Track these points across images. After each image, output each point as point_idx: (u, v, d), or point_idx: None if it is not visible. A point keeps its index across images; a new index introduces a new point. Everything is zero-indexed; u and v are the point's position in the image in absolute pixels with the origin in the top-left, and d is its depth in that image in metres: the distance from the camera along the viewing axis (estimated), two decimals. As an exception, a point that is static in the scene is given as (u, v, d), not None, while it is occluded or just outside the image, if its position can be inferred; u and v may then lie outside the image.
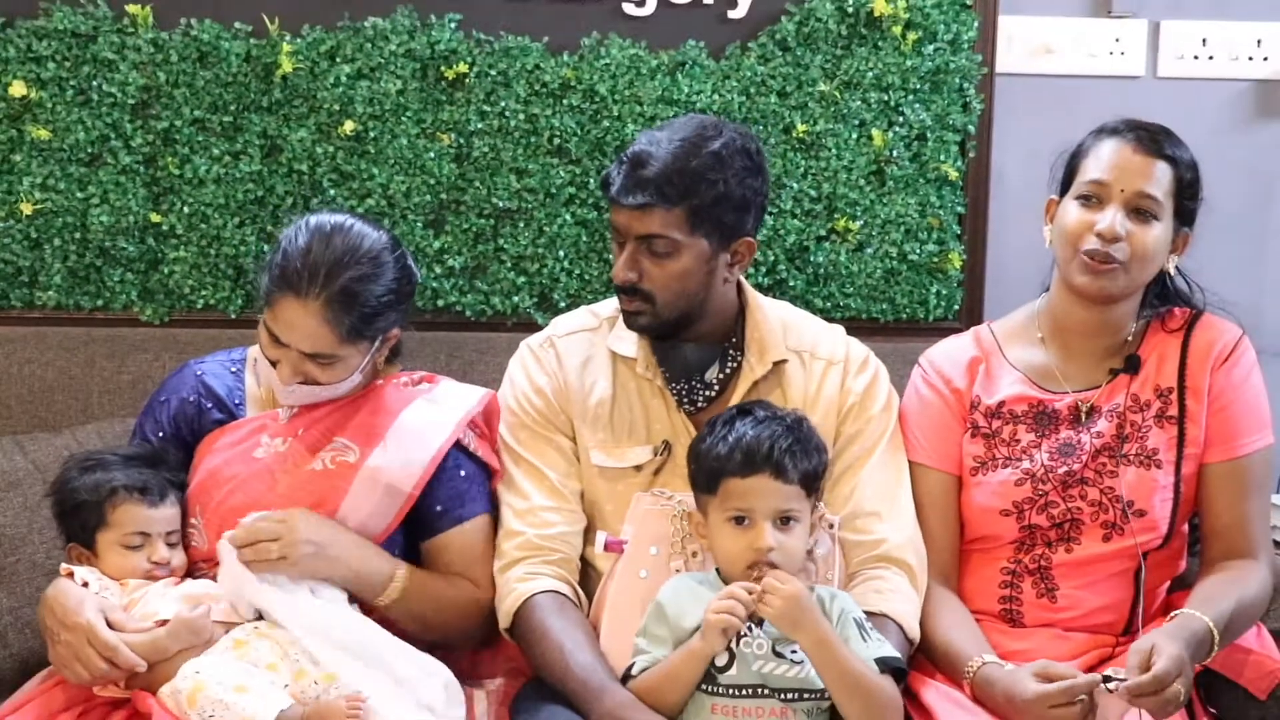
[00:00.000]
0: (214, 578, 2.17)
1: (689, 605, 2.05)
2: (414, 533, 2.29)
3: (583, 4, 2.86)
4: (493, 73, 2.84)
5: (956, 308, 2.97)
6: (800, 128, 2.87)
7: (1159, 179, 2.21)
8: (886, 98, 2.89)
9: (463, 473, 2.29)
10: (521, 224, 2.89)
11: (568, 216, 2.88)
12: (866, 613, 2.14)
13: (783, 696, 2.01)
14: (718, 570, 2.10)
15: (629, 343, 2.32)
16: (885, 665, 2.04)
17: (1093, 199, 2.22)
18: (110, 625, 2.05)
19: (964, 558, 2.34)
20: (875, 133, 2.88)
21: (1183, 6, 2.99)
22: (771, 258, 2.90)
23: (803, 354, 2.35)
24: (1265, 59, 2.99)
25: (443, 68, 2.83)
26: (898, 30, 2.86)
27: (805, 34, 2.87)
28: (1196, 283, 2.33)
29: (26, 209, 2.81)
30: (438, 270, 2.88)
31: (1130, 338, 2.31)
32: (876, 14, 2.84)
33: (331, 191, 2.84)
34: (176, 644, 2.05)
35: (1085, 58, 2.98)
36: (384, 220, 2.82)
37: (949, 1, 2.87)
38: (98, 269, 2.86)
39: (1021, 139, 2.92)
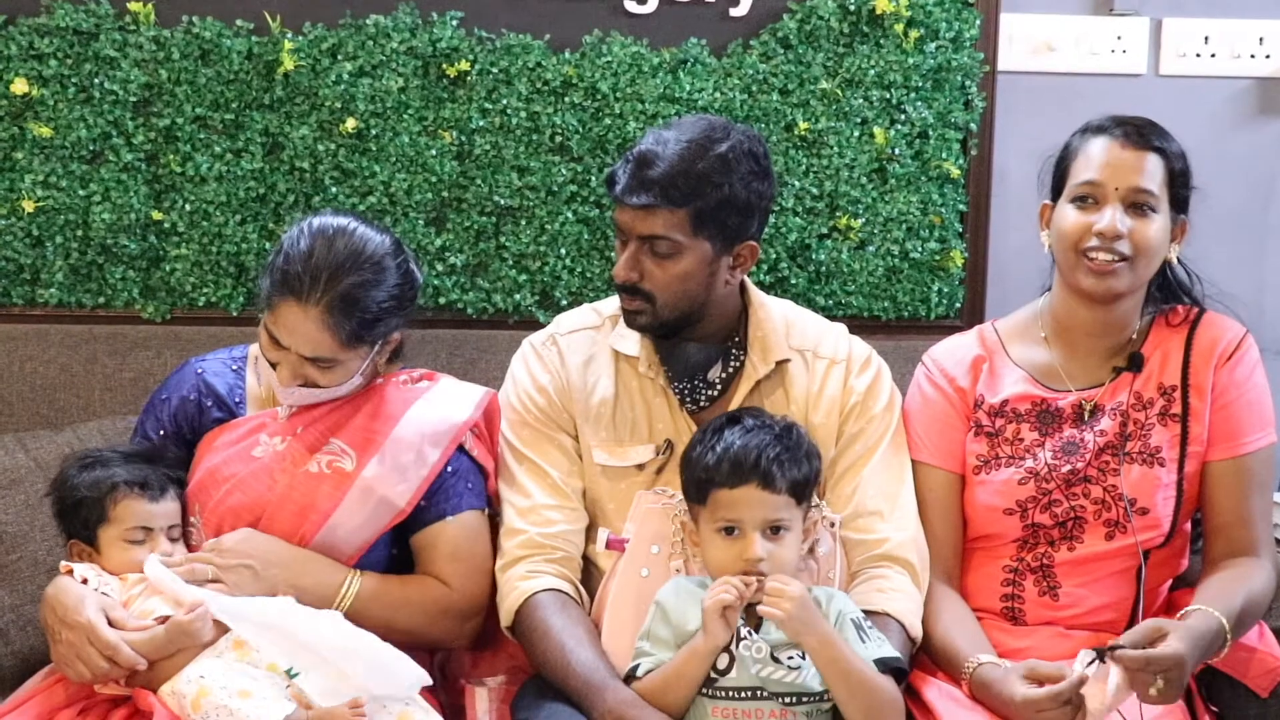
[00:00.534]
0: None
1: (690, 607, 2.05)
2: (402, 527, 2.28)
3: (584, 1, 2.85)
4: (494, 70, 2.84)
5: (958, 306, 2.97)
6: (802, 125, 2.87)
7: (1152, 172, 2.21)
8: (888, 95, 2.88)
9: (450, 468, 2.28)
10: (523, 222, 2.89)
11: (569, 214, 2.88)
12: (869, 611, 2.15)
13: (783, 700, 2.02)
14: None
15: (631, 341, 2.32)
16: (885, 666, 2.04)
17: (1089, 200, 2.22)
18: (111, 623, 2.05)
19: (966, 556, 2.34)
20: (877, 131, 2.88)
21: (1184, 4, 2.98)
22: (773, 255, 2.90)
23: (805, 353, 2.34)
24: (1267, 56, 2.99)
25: (444, 65, 2.83)
26: (900, 28, 2.86)
27: (807, 32, 2.87)
28: (1195, 273, 2.33)
29: (28, 206, 2.81)
30: (439, 268, 2.88)
31: (1135, 335, 2.31)
32: (878, 12, 2.84)
33: (333, 189, 2.84)
34: (175, 645, 2.05)
35: (1087, 56, 2.98)
36: (385, 218, 2.83)
37: (951, -1, 2.87)
38: (99, 266, 2.86)
39: (1023, 137, 2.91)
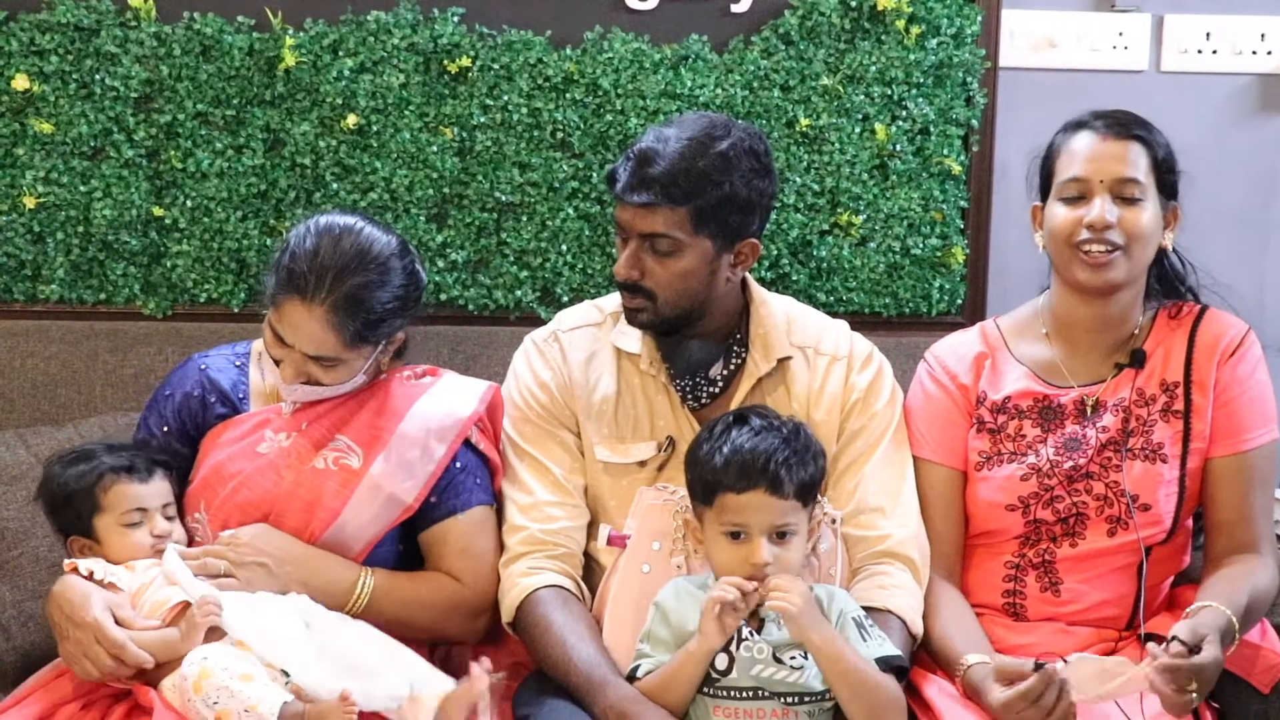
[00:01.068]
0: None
1: (690, 609, 2.06)
2: (410, 522, 2.29)
3: (585, -2, 2.86)
4: (495, 66, 2.84)
5: (959, 302, 2.97)
6: (803, 122, 2.87)
7: (1135, 161, 2.21)
8: (889, 92, 2.88)
9: (459, 464, 2.29)
10: (524, 218, 2.89)
11: (570, 211, 2.88)
12: (870, 608, 2.15)
13: (785, 700, 2.02)
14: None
15: (633, 339, 2.32)
16: (887, 664, 2.04)
17: (1076, 195, 2.22)
18: (118, 622, 2.05)
19: (968, 552, 2.34)
20: (878, 127, 2.88)
21: (1186, 1, 2.98)
22: (775, 252, 2.90)
23: (806, 350, 2.34)
24: (1269, 53, 2.99)
25: (445, 61, 2.83)
26: (901, 24, 2.86)
27: (808, 28, 2.86)
28: (1191, 262, 2.33)
29: (29, 202, 2.81)
30: (440, 264, 2.87)
31: (1137, 331, 2.31)
32: (880, 8, 2.84)
33: (334, 185, 2.84)
34: (187, 646, 2.05)
35: (1088, 52, 2.98)
36: (386, 214, 2.83)
37: (952, -4, 2.87)
38: (100, 263, 2.86)
39: (1025, 133, 2.89)
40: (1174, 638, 1.96)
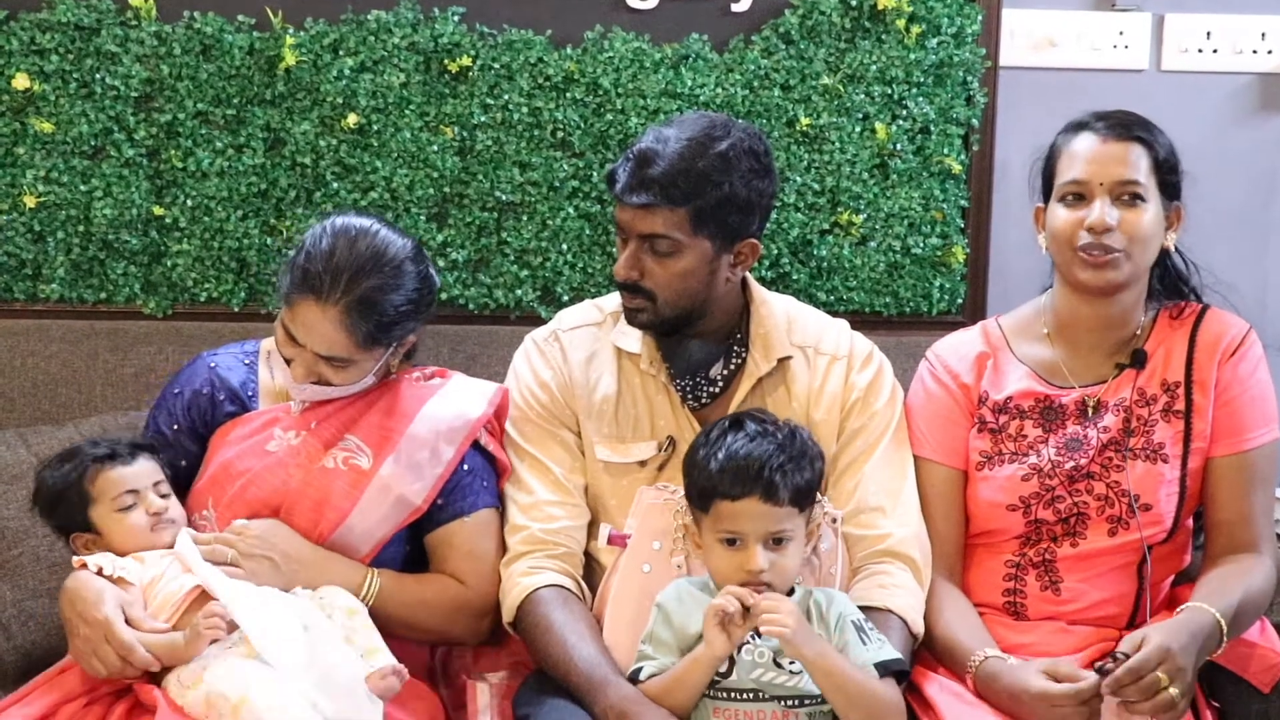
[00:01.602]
0: None
1: (692, 610, 2.06)
2: (416, 524, 2.29)
3: (586, -3, 2.86)
4: (496, 66, 2.84)
5: (960, 302, 2.97)
6: (804, 121, 2.87)
7: (1136, 162, 2.21)
8: (890, 91, 2.88)
9: (466, 466, 2.29)
10: (524, 217, 2.89)
11: (571, 210, 2.88)
12: (871, 608, 2.15)
13: (785, 702, 2.02)
14: None
15: (633, 338, 2.32)
16: (887, 669, 2.04)
17: (1077, 197, 2.22)
18: (128, 621, 2.05)
19: (968, 551, 2.34)
20: (879, 126, 2.88)
21: (1186, 0, 2.98)
22: (775, 251, 2.90)
23: (807, 349, 2.34)
24: (1270, 52, 2.99)
25: (446, 61, 2.83)
26: (901, 24, 2.85)
27: (809, 27, 2.86)
28: (1194, 262, 2.33)
29: (30, 202, 2.80)
30: (441, 263, 2.87)
31: (1139, 331, 2.31)
32: (880, 7, 2.84)
33: (334, 185, 2.84)
34: (190, 653, 2.05)
35: (1089, 51, 2.98)
36: (387, 213, 2.82)
37: (952, -5, 2.87)
38: (101, 262, 2.86)
39: (1025, 133, 2.89)
40: (1119, 654, 1.98)
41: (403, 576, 2.27)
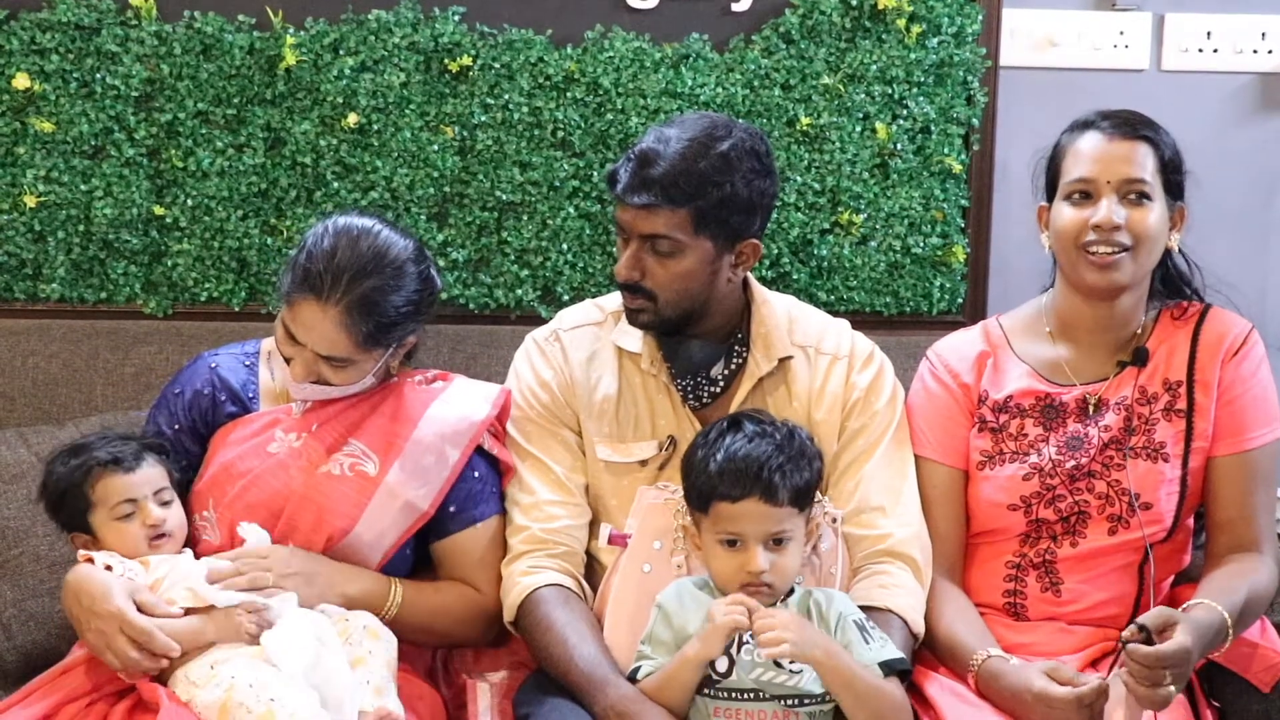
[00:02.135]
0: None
1: (693, 611, 2.06)
2: (423, 531, 2.29)
3: (586, -3, 2.86)
4: (496, 65, 2.84)
5: (960, 301, 2.97)
6: (804, 121, 2.87)
7: (1142, 161, 2.21)
8: (890, 91, 2.88)
9: (476, 474, 2.29)
10: (525, 217, 2.89)
11: (571, 209, 2.88)
12: (871, 608, 2.15)
13: (785, 702, 2.02)
14: None
15: (634, 338, 2.32)
16: (889, 668, 2.04)
17: (1083, 195, 2.22)
18: (139, 607, 2.04)
19: (969, 551, 2.34)
20: (879, 126, 2.88)
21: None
22: (775, 251, 2.90)
23: (807, 349, 2.34)
24: (1270, 52, 2.99)
25: (446, 60, 2.83)
26: (902, 23, 2.85)
27: (809, 27, 2.86)
28: (1196, 262, 2.33)
29: (30, 201, 2.81)
30: (441, 263, 2.87)
31: (1140, 330, 2.30)
32: (880, 7, 2.84)
33: (335, 184, 2.84)
34: (213, 636, 2.04)
35: (1089, 51, 2.98)
36: (387, 213, 2.82)
37: (953, -5, 2.87)
38: (101, 262, 2.86)
39: (1025, 132, 2.90)
40: (1141, 625, 1.96)
41: (421, 585, 2.28)
